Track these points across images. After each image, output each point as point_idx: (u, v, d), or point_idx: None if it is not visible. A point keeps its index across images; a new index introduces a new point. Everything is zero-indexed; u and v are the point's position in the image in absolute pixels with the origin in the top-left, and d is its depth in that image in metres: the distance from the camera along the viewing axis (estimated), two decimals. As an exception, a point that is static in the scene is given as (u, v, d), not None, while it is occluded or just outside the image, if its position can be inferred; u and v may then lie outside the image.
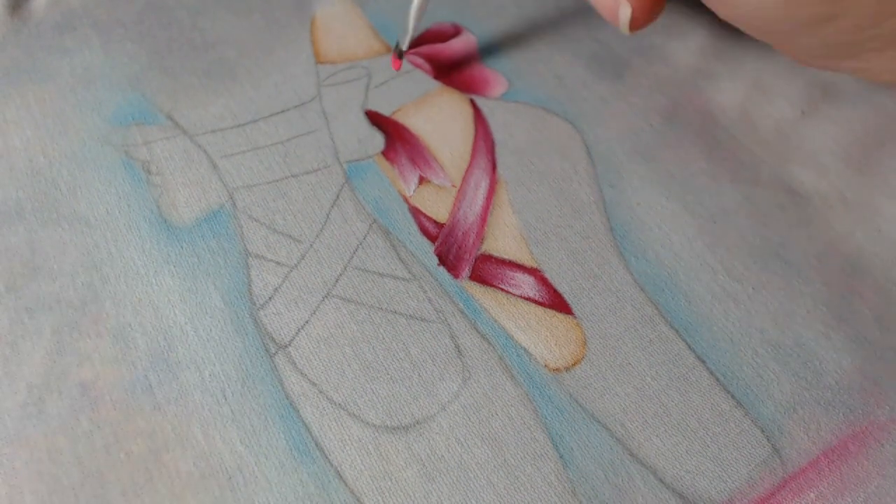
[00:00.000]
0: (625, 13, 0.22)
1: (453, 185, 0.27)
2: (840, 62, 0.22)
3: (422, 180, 0.27)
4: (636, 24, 0.22)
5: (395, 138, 0.28)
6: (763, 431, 0.22)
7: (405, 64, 0.30)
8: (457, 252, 0.25)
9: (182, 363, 0.22)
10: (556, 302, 0.24)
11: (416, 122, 0.28)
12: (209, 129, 0.28)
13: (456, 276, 0.25)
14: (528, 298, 0.24)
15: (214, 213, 0.25)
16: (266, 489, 0.20)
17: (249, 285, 0.24)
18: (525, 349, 0.23)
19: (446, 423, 0.22)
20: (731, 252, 0.25)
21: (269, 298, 0.24)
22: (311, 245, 0.25)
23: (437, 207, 0.26)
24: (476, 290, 0.24)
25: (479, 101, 0.29)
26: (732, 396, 0.23)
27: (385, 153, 0.27)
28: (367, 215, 0.26)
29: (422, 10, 0.27)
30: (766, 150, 0.28)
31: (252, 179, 0.26)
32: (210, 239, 0.25)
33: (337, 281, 0.24)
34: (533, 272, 0.25)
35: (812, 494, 0.21)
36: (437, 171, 0.27)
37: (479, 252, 0.25)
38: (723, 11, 0.21)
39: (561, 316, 0.24)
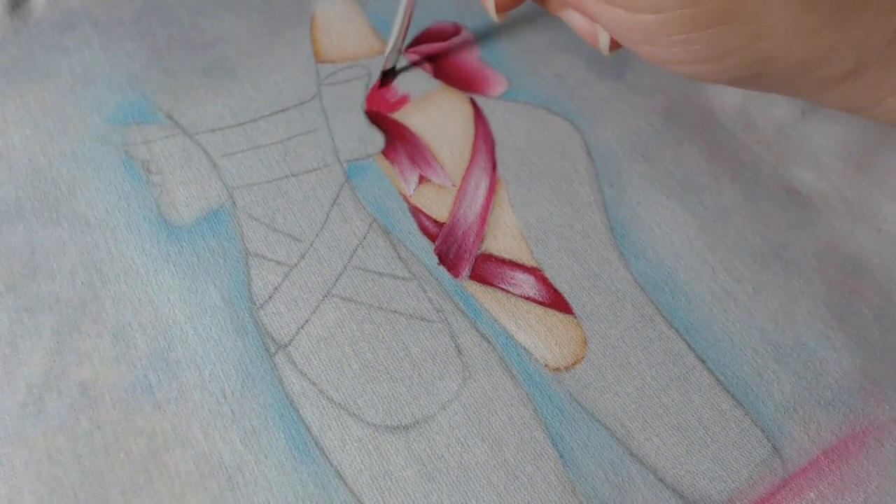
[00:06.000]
0: (604, 39, 0.24)
1: (453, 185, 0.27)
2: (787, 95, 0.24)
3: (422, 179, 0.27)
4: (615, 46, 0.24)
5: (395, 137, 0.28)
6: (763, 431, 0.22)
7: (405, 63, 0.30)
8: (457, 251, 0.25)
9: (182, 363, 0.22)
10: (557, 301, 0.24)
11: (417, 121, 0.28)
12: (209, 127, 0.28)
13: (456, 275, 0.25)
14: (528, 298, 0.24)
15: (214, 212, 0.25)
16: (266, 489, 0.20)
17: (249, 285, 0.24)
18: (525, 349, 0.23)
19: (446, 423, 0.22)
20: (731, 252, 0.25)
21: (269, 298, 0.24)
22: (311, 244, 0.25)
23: (437, 207, 0.26)
24: (476, 289, 0.24)
25: (480, 100, 0.29)
26: (732, 396, 0.23)
27: (385, 152, 0.27)
28: (367, 214, 0.26)
29: (400, 41, 0.28)
30: (767, 150, 0.28)
31: (252, 178, 0.26)
32: (210, 238, 0.25)
33: (337, 280, 0.24)
34: (533, 272, 0.25)
35: (812, 494, 0.21)
36: (437, 170, 0.27)
37: (479, 251, 0.25)
38: (655, 63, 0.23)
39: (561, 315, 0.24)
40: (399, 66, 0.30)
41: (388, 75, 0.29)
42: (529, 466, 0.21)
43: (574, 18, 0.24)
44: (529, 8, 0.29)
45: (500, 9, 0.24)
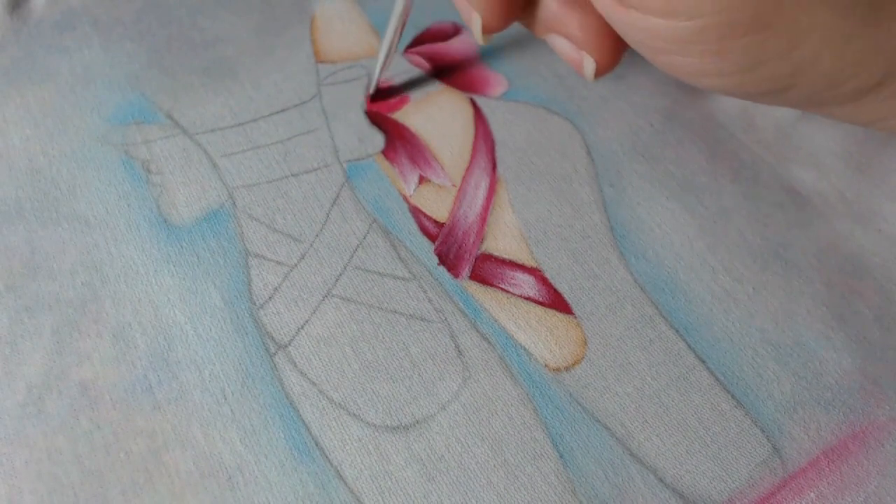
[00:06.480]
0: (589, 66, 0.24)
1: (453, 185, 0.27)
2: (804, 110, 0.24)
3: (422, 180, 0.27)
4: (600, 73, 0.24)
5: (396, 137, 0.28)
6: (763, 431, 0.22)
7: (405, 63, 0.30)
8: (457, 251, 0.25)
9: (182, 363, 0.22)
10: (556, 302, 0.24)
11: (417, 121, 0.28)
12: (209, 127, 0.28)
13: (456, 275, 0.25)
14: (528, 298, 0.24)
15: (214, 212, 0.25)
16: (266, 489, 0.20)
17: (249, 285, 0.24)
18: (525, 349, 0.23)
19: (446, 423, 0.22)
20: (731, 252, 0.25)
21: (269, 298, 0.24)
22: (311, 244, 0.25)
23: (437, 207, 0.26)
24: (476, 289, 0.24)
25: (480, 100, 0.29)
26: (732, 396, 0.23)
27: (385, 152, 0.27)
28: (367, 215, 0.26)
29: (389, 59, 0.28)
30: (767, 150, 0.28)
31: (252, 178, 0.26)
32: (210, 238, 0.25)
33: (337, 280, 0.24)
34: (533, 272, 0.25)
35: (812, 494, 0.21)
36: (437, 170, 0.27)
37: (479, 251, 0.25)
38: (685, 79, 0.22)
39: (561, 316, 0.24)
40: (386, 77, 0.29)
41: (377, 96, 0.29)
42: (529, 466, 0.21)
43: (558, 43, 0.24)
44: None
45: (486, 31, 0.24)
